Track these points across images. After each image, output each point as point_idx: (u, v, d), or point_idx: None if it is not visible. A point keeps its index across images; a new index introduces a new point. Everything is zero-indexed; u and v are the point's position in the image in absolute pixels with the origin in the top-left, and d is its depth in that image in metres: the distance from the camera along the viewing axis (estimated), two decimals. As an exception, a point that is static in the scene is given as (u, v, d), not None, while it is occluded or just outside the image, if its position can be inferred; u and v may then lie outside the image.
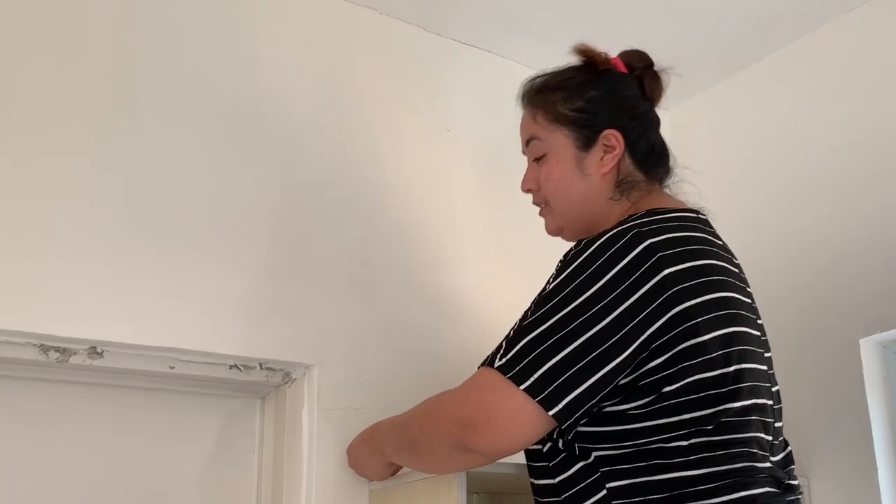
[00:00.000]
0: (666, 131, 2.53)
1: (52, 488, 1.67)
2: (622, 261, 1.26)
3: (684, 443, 1.24)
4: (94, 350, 1.64)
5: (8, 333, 1.55)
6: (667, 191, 1.51)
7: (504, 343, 1.30)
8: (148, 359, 1.69)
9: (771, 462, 1.29)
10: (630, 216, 1.36)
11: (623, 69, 1.51)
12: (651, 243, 1.26)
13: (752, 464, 1.25)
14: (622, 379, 1.24)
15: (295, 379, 1.84)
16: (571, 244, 1.41)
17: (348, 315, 1.89)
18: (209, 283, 1.74)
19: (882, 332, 2.00)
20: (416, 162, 2.11)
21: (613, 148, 1.45)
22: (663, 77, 1.54)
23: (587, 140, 1.46)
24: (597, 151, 1.46)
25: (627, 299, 1.23)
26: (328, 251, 1.91)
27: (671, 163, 1.53)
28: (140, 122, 1.75)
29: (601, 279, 1.25)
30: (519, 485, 1.37)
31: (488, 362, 1.30)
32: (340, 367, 1.85)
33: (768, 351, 1.38)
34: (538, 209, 1.56)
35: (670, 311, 1.23)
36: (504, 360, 1.27)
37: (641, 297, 1.23)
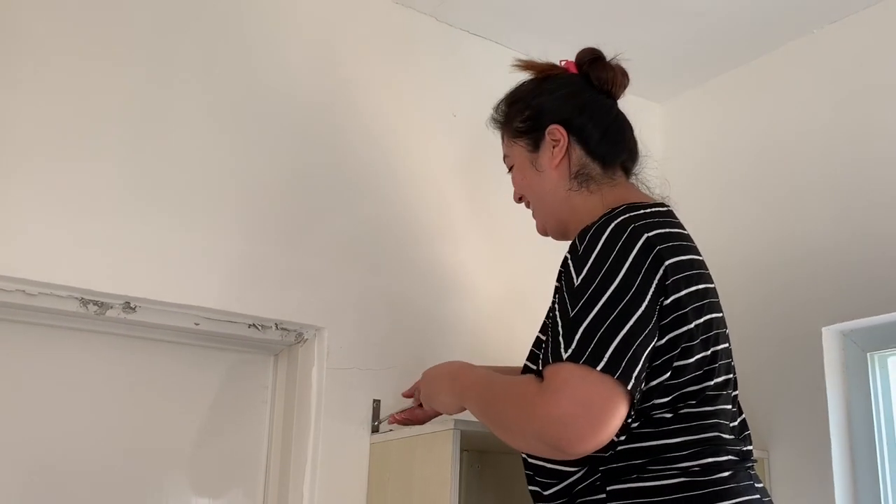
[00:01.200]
0: (657, 123, 2.69)
1: (85, 428, 1.80)
2: (630, 252, 1.32)
3: (669, 415, 1.34)
4: (129, 305, 1.77)
5: (52, 287, 1.68)
6: (633, 180, 1.57)
7: (560, 339, 1.29)
8: (175, 315, 1.82)
9: (732, 433, 1.42)
10: (614, 209, 1.41)
11: (574, 70, 1.57)
12: (648, 237, 1.35)
13: (718, 434, 1.37)
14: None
15: (307, 339, 1.96)
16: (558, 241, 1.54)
17: (357, 283, 2.01)
18: (233, 250, 1.86)
19: (843, 321, 2.12)
20: (424, 144, 2.22)
21: (558, 140, 1.52)
22: (614, 65, 1.57)
23: (535, 141, 1.55)
24: (546, 149, 1.54)
25: (650, 284, 1.31)
26: (341, 225, 2.03)
27: (633, 147, 1.57)
28: (175, 106, 1.86)
29: (622, 268, 1.31)
30: (506, 444, 1.46)
31: (553, 359, 1.29)
32: (349, 330, 1.97)
33: (727, 328, 1.50)
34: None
35: (669, 298, 1.33)
36: (570, 350, 1.27)
37: (657, 285, 1.31)
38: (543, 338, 1.48)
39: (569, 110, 1.54)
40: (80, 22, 1.79)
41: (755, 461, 1.47)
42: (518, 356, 2.09)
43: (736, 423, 1.45)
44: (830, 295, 2.16)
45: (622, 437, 1.33)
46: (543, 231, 1.63)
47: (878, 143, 2.15)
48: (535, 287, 2.25)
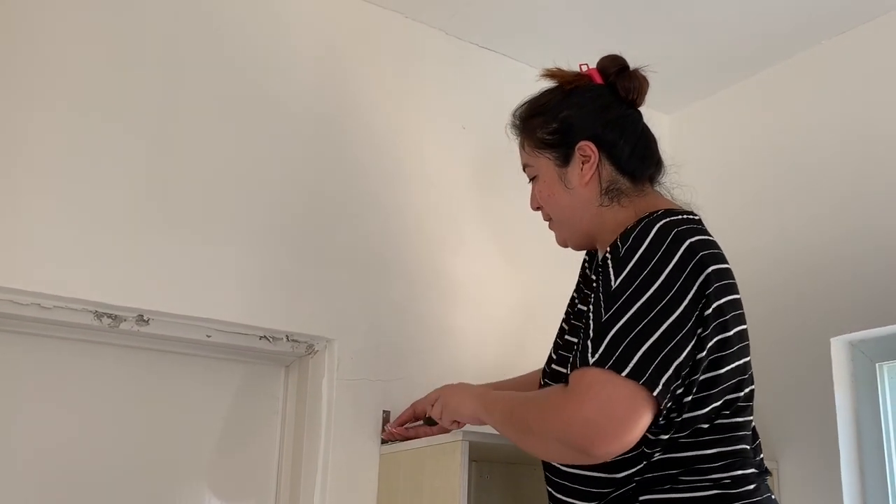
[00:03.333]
0: (664, 133, 2.70)
1: (98, 439, 1.82)
2: (673, 256, 1.32)
3: (705, 425, 1.35)
4: (142, 318, 1.79)
5: (67, 300, 1.70)
6: (662, 191, 1.56)
7: (589, 343, 1.30)
8: (188, 327, 1.84)
9: (751, 443, 1.43)
10: (652, 213, 1.41)
11: (599, 79, 1.55)
12: (691, 243, 1.34)
13: (745, 446, 1.39)
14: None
15: (317, 350, 1.98)
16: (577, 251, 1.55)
17: (367, 295, 2.03)
18: (245, 262, 1.89)
19: (852, 332, 2.13)
20: (433, 157, 2.24)
21: (589, 157, 1.50)
22: (639, 75, 1.56)
23: (565, 157, 1.53)
24: (575, 164, 1.52)
25: (688, 291, 1.30)
26: (351, 237, 2.05)
27: (659, 159, 1.57)
28: (188, 120, 1.89)
29: (662, 272, 1.30)
30: (514, 455, 1.45)
31: (580, 363, 1.29)
32: (358, 341, 1.99)
33: None
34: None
35: (711, 306, 1.32)
36: (598, 354, 1.27)
37: (697, 291, 1.31)
38: (573, 340, 1.48)
39: (599, 126, 1.52)
40: (97, 39, 1.82)
41: (770, 473, 1.49)
42: (528, 367, 2.11)
43: (750, 433, 1.47)
44: (839, 305, 2.17)
45: (657, 449, 1.34)
46: (564, 243, 1.62)
47: (887, 154, 2.16)
48: (546, 297, 2.27)
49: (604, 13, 2.26)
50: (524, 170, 1.62)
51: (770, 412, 2.23)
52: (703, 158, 2.62)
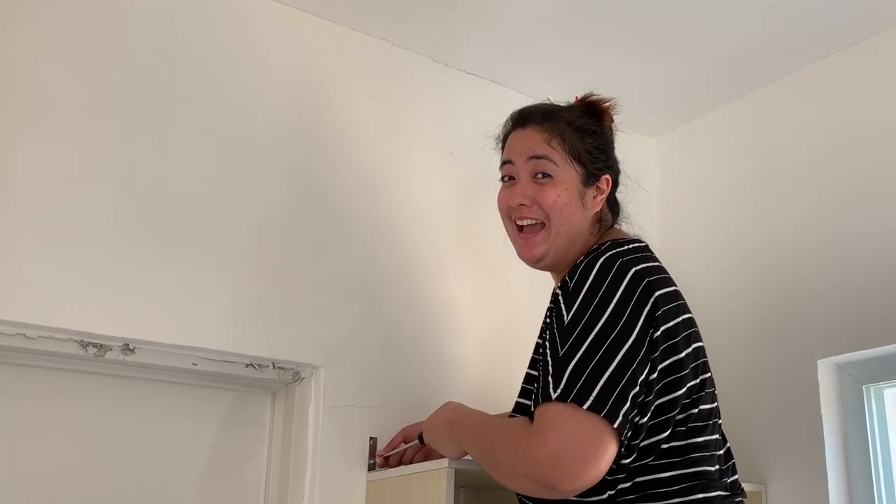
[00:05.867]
0: (651, 156, 2.71)
1: (84, 468, 1.81)
2: (620, 286, 1.36)
3: (663, 446, 1.37)
4: (127, 347, 1.79)
5: (52, 330, 1.70)
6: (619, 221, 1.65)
7: (550, 379, 1.33)
8: (174, 356, 1.84)
9: (719, 463, 1.44)
10: (600, 245, 1.49)
11: (607, 121, 1.64)
12: (636, 271, 1.40)
13: (707, 468, 1.40)
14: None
15: (303, 378, 1.98)
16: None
17: (354, 321, 2.03)
18: (230, 290, 1.89)
19: (838, 354, 2.13)
20: (421, 182, 2.25)
21: (604, 191, 1.60)
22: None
23: (588, 179, 1.58)
24: (592, 191, 1.59)
25: (638, 318, 1.34)
26: (338, 263, 2.05)
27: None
28: (171, 148, 1.90)
29: (611, 302, 1.35)
30: (497, 482, 1.47)
31: (542, 399, 1.32)
32: (345, 368, 1.99)
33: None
34: (516, 228, 1.61)
35: (660, 329, 1.37)
36: (559, 389, 1.30)
37: (646, 317, 1.35)
38: (535, 373, 1.51)
39: (615, 165, 1.64)
40: (79, 68, 1.83)
41: (744, 495, 1.48)
42: (514, 391, 2.11)
43: (721, 452, 1.47)
44: (826, 328, 2.18)
45: (620, 476, 1.35)
46: (541, 256, 1.58)
47: (872, 175, 2.17)
48: (531, 323, 2.27)
49: (589, 38, 2.27)
50: (531, 157, 1.58)
51: (758, 434, 2.23)
52: (690, 182, 2.63)
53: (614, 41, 2.29)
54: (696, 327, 1.47)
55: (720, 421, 1.49)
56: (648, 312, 1.36)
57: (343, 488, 1.93)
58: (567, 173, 1.57)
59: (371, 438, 1.98)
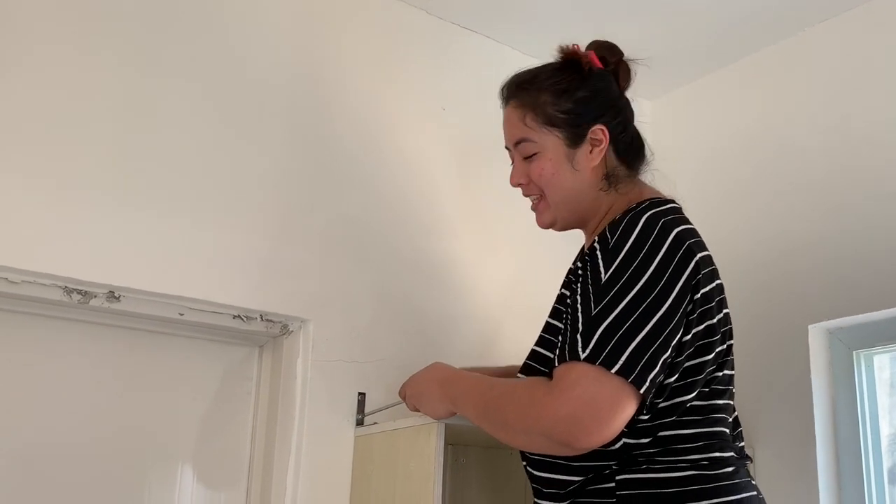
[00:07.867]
0: (646, 119, 2.69)
1: (67, 416, 1.78)
2: (662, 246, 1.34)
3: (687, 405, 1.36)
4: (113, 294, 1.75)
5: (36, 275, 1.66)
6: (645, 179, 1.57)
7: (578, 337, 1.31)
8: (160, 305, 1.81)
9: (731, 427, 1.44)
10: (639, 204, 1.44)
11: (598, 63, 1.55)
12: (678, 232, 1.37)
13: (724, 429, 1.40)
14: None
15: (292, 331, 1.96)
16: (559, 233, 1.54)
17: (344, 276, 2.01)
18: (219, 240, 1.86)
19: (829, 319, 2.13)
20: (413, 137, 2.22)
21: (600, 142, 1.51)
22: (632, 68, 1.60)
23: (576, 137, 1.52)
24: (585, 146, 1.52)
25: (677, 281, 1.32)
26: (328, 217, 2.02)
27: (647, 152, 1.60)
28: (161, 96, 1.85)
29: (651, 263, 1.32)
30: (491, 438, 1.46)
31: (569, 357, 1.30)
32: (334, 322, 1.96)
33: None
34: (530, 203, 1.61)
35: (699, 292, 1.35)
36: (588, 350, 1.28)
37: (686, 279, 1.33)
38: (556, 324, 1.49)
39: (611, 112, 1.54)
40: (69, 10, 1.78)
41: (750, 460, 1.49)
42: (505, 350, 2.10)
43: (731, 419, 1.47)
44: (817, 293, 2.17)
45: (638, 432, 1.34)
46: (550, 223, 1.59)
47: (867, 141, 2.16)
48: (525, 279, 2.27)
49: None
50: (515, 144, 1.57)
51: (747, 399, 2.22)
52: (685, 145, 2.62)
53: (612, 1, 2.26)
54: (724, 293, 1.45)
55: (733, 387, 1.48)
56: (690, 274, 1.34)
57: (330, 443, 1.91)
58: (548, 142, 1.53)
59: (359, 393, 1.96)
